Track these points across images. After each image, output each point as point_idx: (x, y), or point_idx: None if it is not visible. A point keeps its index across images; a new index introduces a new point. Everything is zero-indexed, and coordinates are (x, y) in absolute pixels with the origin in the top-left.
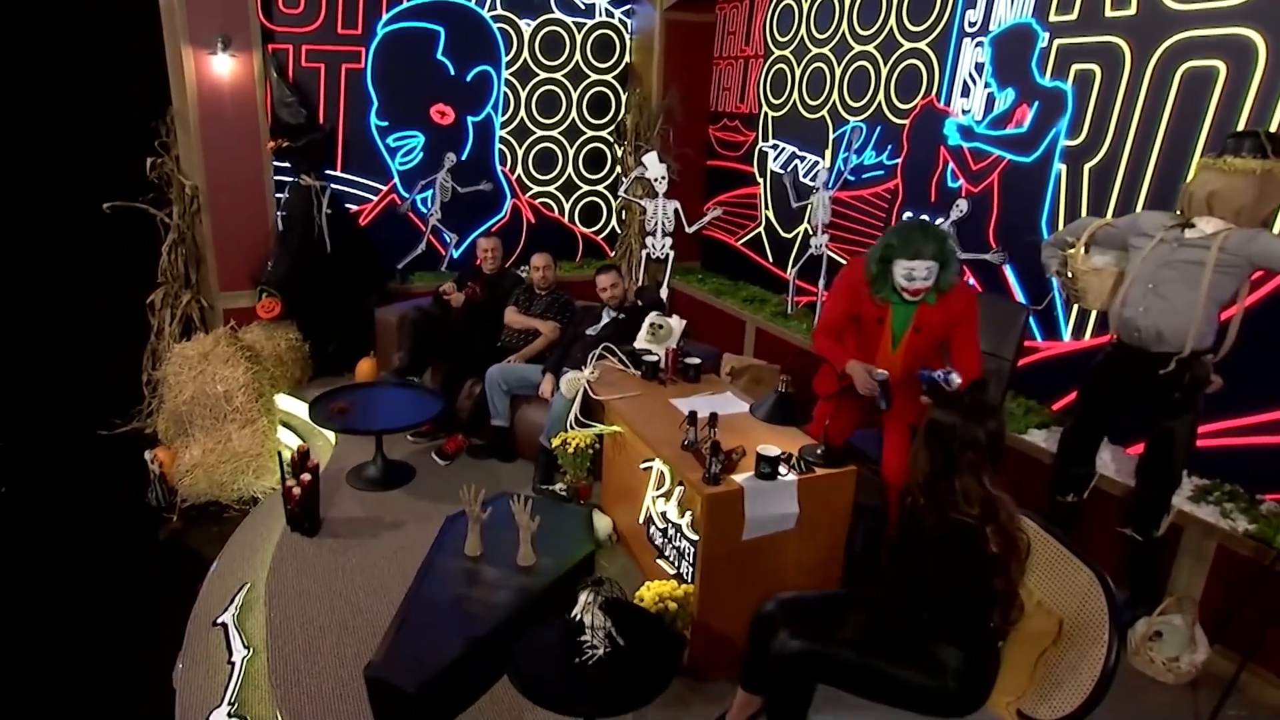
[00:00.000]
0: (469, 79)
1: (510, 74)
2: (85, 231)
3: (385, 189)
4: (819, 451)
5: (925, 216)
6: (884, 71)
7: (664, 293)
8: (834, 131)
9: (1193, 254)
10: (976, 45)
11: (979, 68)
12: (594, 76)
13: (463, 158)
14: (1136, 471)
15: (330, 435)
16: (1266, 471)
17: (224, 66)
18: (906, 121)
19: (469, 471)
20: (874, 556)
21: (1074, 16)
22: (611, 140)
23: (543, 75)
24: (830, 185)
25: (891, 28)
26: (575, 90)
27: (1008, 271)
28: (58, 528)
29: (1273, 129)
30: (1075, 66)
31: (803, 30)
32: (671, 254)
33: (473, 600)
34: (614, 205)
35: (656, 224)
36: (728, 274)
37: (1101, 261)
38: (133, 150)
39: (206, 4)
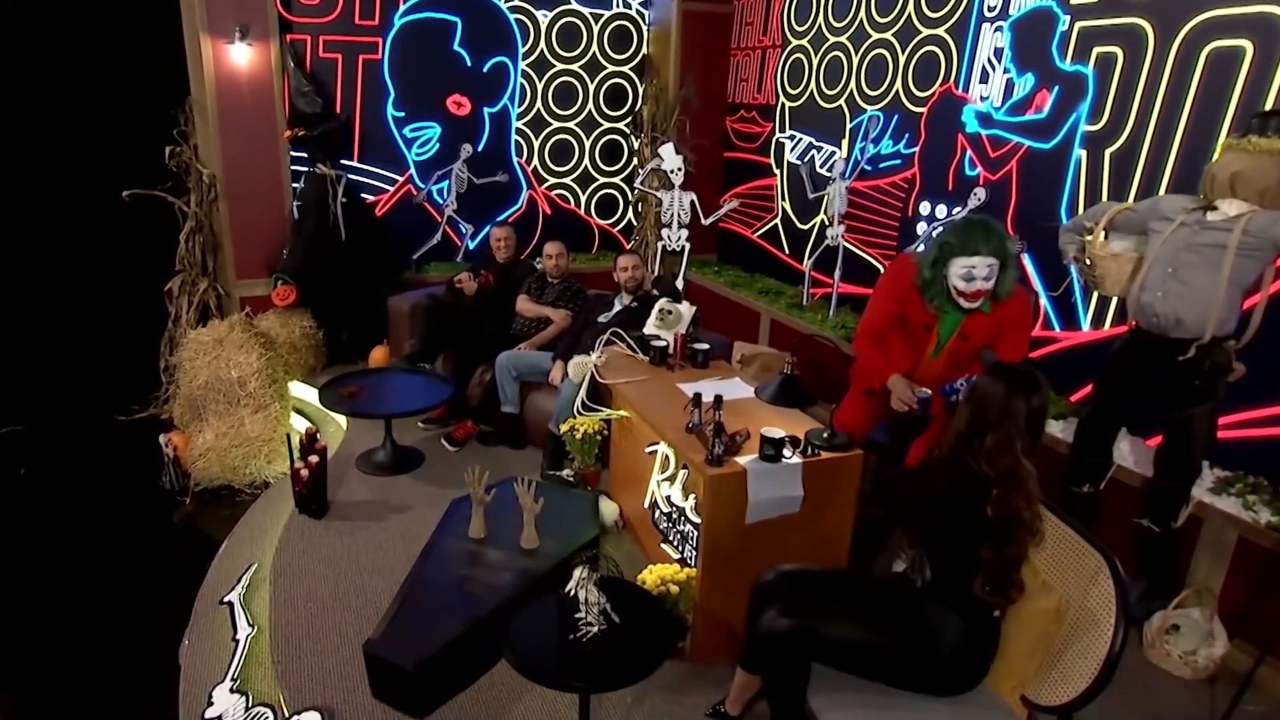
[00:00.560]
0: (485, 70)
1: (527, 65)
2: (104, 219)
3: (401, 179)
4: (825, 435)
5: (943, 206)
6: (902, 59)
7: (680, 284)
8: (851, 121)
9: (1215, 237)
10: (996, 30)
11: (998, 53)
12: (611, 68)
13: (479, 149)
14: (1155, 461)
15: (342, 421)
16: None
17: (242, 56)
18: (924, 109)
19: (478, 458)
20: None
21: None
22: (628, 132)
23: (559, 66)
24: (847, 175)
25: (910, 14)
26: (592, 82)
27: (1026, 260)
28: (74, 509)
29: None
30: (1097, 49)
31: (820, 19)
32: (688, 246)
33: (475, 581)
34: (630, 197)
35: (673, 216)
36: (744, 266)
37: (1120, 247)
38: (151, 139)
39: None
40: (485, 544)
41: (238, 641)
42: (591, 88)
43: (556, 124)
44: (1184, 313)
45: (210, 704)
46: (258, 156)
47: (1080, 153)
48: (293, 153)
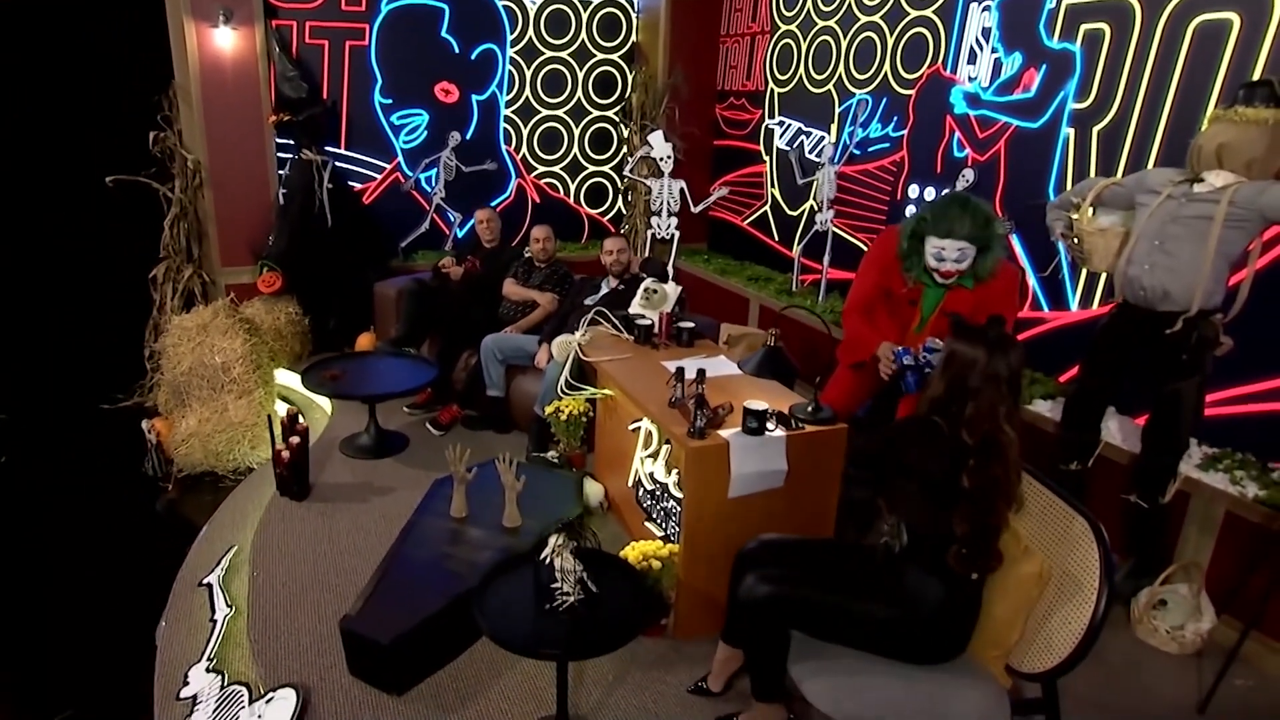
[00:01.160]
0: (474, 57)
1: (515, 52)
2: (87, 206)
3: (389, 167)
4: (810, 409)
5: (931, 189)
6: (890, 41)
7: (670, 271)
8: (840, 105)
9: (1201, 209)
10: (984, 10)
11: (985, 33)
12: (600, 56)
13: (467, 137)
14: (1142, 436)
15: (326, 407)
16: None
17: (226, 40)
18: (912, 92)
19: (463, 442)
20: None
21: None
22: (617, 120)
23: (548, 54)
24: (836, 160)
25: None
26: (581, 70)
27: (1015, 241)
28: (56, 497)
29: None
30: (1084, 26)
31: (809, 3)
32: (677, 234)
33: (455, 559)
34: (620, 186)
35: (662, 204)
36: (734, 254)
37: (1108, 221)
38: (135, 124)
39: None
40: (466, 523)
41: (215, 622)
42: (580, 75)
43: (545, 112)
44: (1171, 285)
45: (186, 683)
46: (243, 142)
47: (1068, 131)
48: (278, 139)
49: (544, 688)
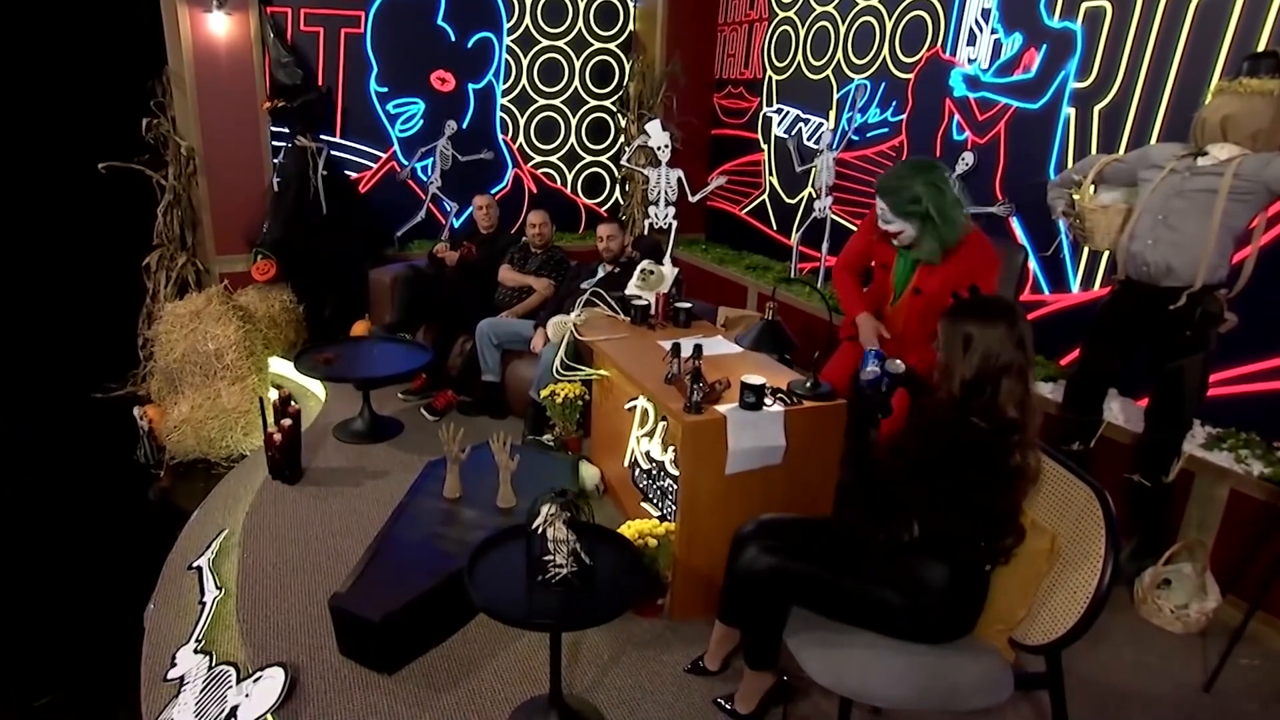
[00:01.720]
0: (470, 45)
1: (512, 41)
2: (79, 193)
3: (385, 156)
4: (808, 385)
5: None
6: (889, 25)
7: (665, 249)
8: (838, 91)
9: (1205, 182)
10: None
11: (985, 14)
12: (597, 45)
13: (463, 126)
14: (1146, 414)
15: (320, 394)
16: None
17: (220, 25)
18: (911, 75)
19: (458, 427)
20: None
21: None
22: (615, 110)
23: (545, 43)
24: (834, 146)
25: None
26: (578, 59)
27: (1015, 224)
28: (45, 484)
29: None
30: (1085, 4)
31: None
32: (675, 224)
33: (447, 539)
34: (617, 176)
35: (659, 193)
36: (731, 244)
37: (1109, 198)
38: (128, 110)
39: None
40: (460, 503)
41: (204, 604)
42: (578, 65)
43: (542, 101)
44: (1174, 260)
45: (173, 665)
46: (237, 129)
47: (1069, 111)
48: (273, 127)
49: (538, 667)
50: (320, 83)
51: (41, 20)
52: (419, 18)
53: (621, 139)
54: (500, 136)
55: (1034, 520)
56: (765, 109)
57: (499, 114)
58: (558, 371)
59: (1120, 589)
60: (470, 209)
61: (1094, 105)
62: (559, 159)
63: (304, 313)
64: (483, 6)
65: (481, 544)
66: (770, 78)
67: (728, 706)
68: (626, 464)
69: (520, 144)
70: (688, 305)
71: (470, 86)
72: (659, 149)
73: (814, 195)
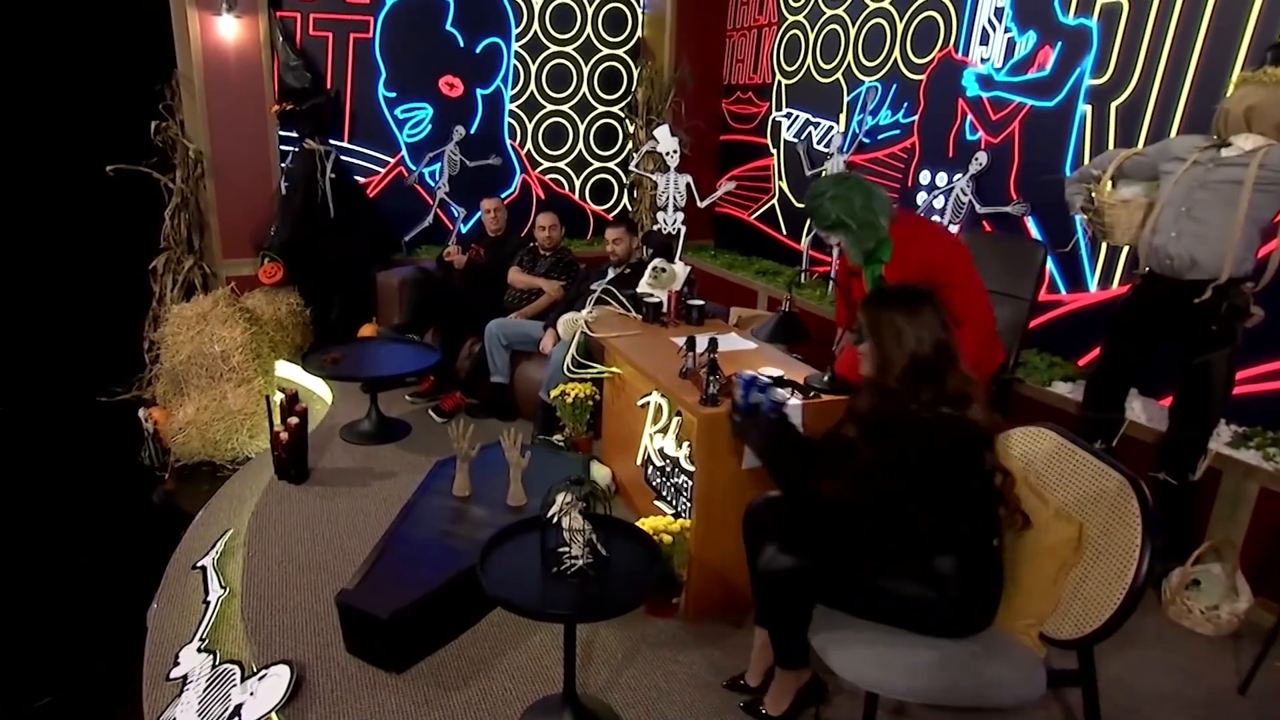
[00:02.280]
0: (478, 51)
1: (520, 47)
2: (87, 195)
3: (393, 161)
4: (826, 379)
5: (944, 174)
6: (900, 27)
7: (675, 247)
8: (848, 94)
9: (1230, 173)
10: None
11: (998, 12)
12: (605, 51)
13: (471, 131)
14: (1170, 411)
15: (326, 397)
16: None
17: (229, 29)
18: (923, 76)
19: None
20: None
21: None
22: (623, 116)
23: (553, 49)
24: (845, 150)
25: None
26: (586, 65)
27: (1030, 224)
28: (49, 487)
29: None
30: (1101, 1)
31: None
32: (683, 229)
33: (457, 537)
34: (625, 181)
35: (668, 199)
36: (740, 250)
37: (1130, 193)
38: (137, 113)
39: None
40: (469, 501)
41: (208, 604)
42: (586, 71)
43: (550, 107)
44: (1199, 252)
45: (176, 664)
46: (245, 132)
47: (1085, 108)
48: (281, 131)
49: (550, 667)
50: (329, 86)
51: (51, 24)
52: (428, 23)
53: (630, 145)
54: (508, 142)
55: (1058, 510)
56: (775, 113)
57: (507, 119)
58: (569, 370)
59: (1147, 590)
60: (478, 214)
61: (1111, 101)
62: (567, 165)
63: (311, 316)
64: (491, 12)
65: (494, 537)
66: (779, 82)
67: (762, 710)
68: (639, 462)
69: (528, 149)
70: (700, 303)
71: (478, 92)
72: (667, 154)
73: None
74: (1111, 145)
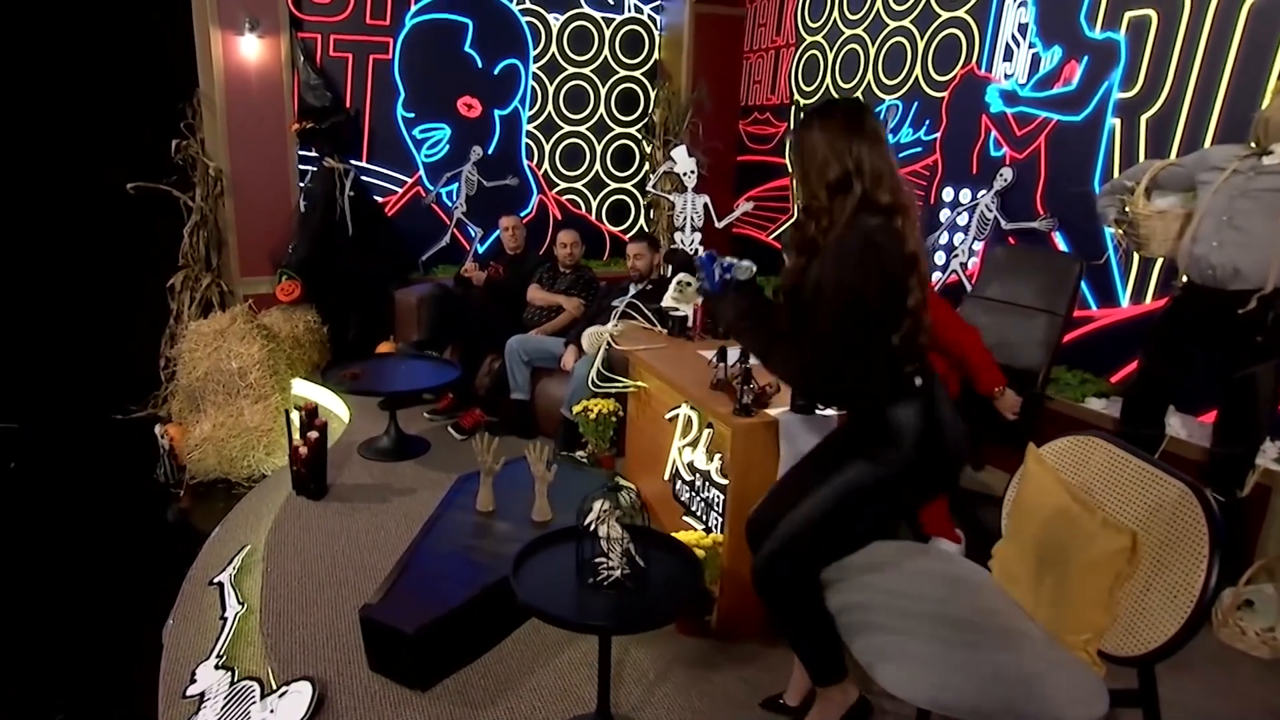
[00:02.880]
0: (496, 72)
1: (538, 68)
2: (108, 213)
3: (411, 181)
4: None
5: (967, 190)
6: (920, 45)
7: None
8: None
9: (1272, 181)
10: (1020, 5)
11: (1022, 28)
12: (622, 72)
13: (489, 151)
14: (1215, 426)
15: (344, 415)
16: None
17: (251, 49)
18: (945, 94)
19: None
20: None
21: None
22: (640, 137)
23: (571, 70)
24: None
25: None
26: (604, 86)
27: (1058, 239)
28: (65, 504)
29: None
30: (1129, 14)
31: (835, 14)
32: (701, 250)
33: (481, 551)
34: (642, 202)
35: (685, 219)
36: (759, 270)
37: (1166, 203)
38: (158, 131)
39: None
40: (493, 517)
41: (225, 620)
42: (603, 92)
43: (568, 128)
44: (1242, 262)
45: (193, 681)
46: (265, 151)
47: (1114, 121)
48: (301, 150)
49: (579, 684)
50: (349, 105)
51: (74, 42)
52: (446, 44)
53: (646, 166)
54: (525, 162)
55: (1105, 519)
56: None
57: (524, 140)
58: (594, 383)
59: None
60: (495, 233)
61: (1141, 114)
62: (584, 185)
63: (328, 334)
64: (509, 34)
65: (526, 547)
66: (797, 102)
67: None
68: (666, 477)
69: (545, 170)
70: None
71: (496, 113)
72: (685, 175)
73: None
74: (1142, 157)
